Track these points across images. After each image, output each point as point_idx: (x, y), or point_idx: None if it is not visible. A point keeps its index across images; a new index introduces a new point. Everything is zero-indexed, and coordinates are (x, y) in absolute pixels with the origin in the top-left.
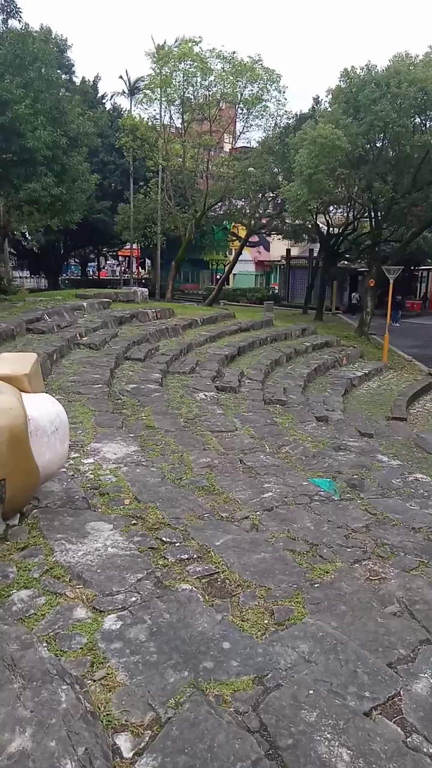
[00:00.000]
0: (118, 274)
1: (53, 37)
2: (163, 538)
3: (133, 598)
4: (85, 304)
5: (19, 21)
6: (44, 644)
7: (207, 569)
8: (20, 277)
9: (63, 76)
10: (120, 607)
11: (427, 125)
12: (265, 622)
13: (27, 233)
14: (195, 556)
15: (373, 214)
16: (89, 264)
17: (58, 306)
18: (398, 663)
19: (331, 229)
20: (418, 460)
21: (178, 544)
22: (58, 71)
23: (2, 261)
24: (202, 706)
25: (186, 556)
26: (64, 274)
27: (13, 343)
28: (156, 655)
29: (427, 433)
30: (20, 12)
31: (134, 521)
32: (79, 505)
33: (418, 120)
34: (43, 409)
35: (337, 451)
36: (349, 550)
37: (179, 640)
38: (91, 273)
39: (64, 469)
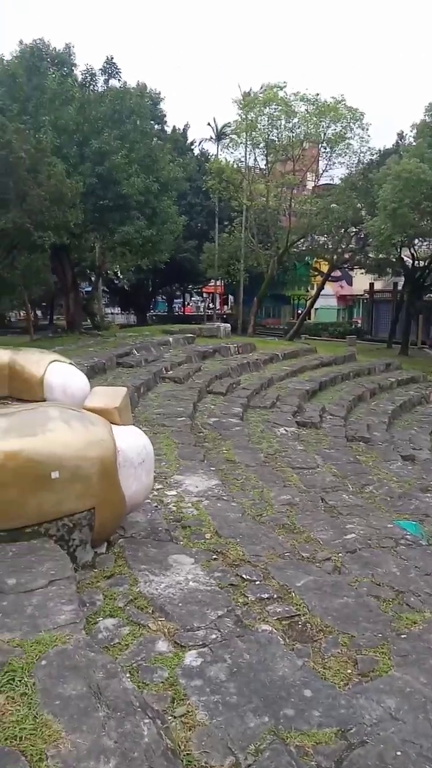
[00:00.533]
0: (202, 310)
1: (148, 92)
2: (243, 576)
3: (214, 635)
4: (170, 339)
5: (119, 80)
6: (127, 675)
7: (287, 611)
8: (112, 314)
9: (155, 126)
10: (200, 643)
11: None
12: (348, 671)
13: (119, 272)
14: (275, 596)
15: None
16: (175, 300)
17: (146, 341)
18: None
19: (416, 262)
20: None
21: (258, 582)
22: (152, 122)
23: (96, 299)
24: (282, 756)
25: (266, 596)
26: (152, 311)
27: (105, 376)
28: (236, 696)
29: None
30: (120, 72)
31: (215, 556)
32: (162, 536)
33: None
34: (131, 441)
35: (425, 492)
36: None
37: (259, 683)
38: (176, 309)
39: (148, 501)
